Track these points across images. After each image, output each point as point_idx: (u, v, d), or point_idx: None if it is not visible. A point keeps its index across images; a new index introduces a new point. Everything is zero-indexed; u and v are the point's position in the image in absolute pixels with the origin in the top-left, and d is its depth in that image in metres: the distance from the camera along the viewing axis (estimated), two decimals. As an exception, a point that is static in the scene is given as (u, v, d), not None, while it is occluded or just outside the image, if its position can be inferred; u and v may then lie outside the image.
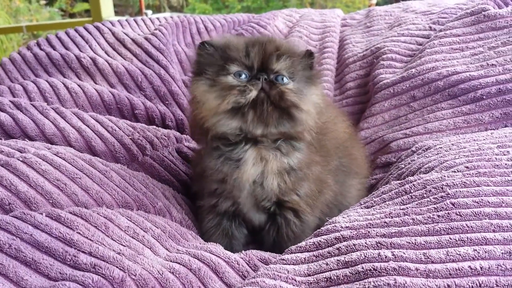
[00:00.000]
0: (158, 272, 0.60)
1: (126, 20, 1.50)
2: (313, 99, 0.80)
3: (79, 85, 1.13)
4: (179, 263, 0.64)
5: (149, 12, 3.26)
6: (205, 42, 0.82)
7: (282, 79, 0.78)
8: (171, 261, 0.64)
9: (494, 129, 0.94)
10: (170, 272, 0.61)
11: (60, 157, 0.81)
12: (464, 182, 0.68)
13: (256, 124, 0.77)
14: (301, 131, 0.80)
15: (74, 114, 1.01)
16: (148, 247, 0.68)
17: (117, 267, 0.59)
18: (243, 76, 0.77)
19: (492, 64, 1.03)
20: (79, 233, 0.63)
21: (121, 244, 0.65)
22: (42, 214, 0.65)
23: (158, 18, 1.55)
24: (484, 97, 0.99)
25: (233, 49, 0.80)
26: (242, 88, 0.76)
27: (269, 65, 0.78)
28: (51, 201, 0.72)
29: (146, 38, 1.33)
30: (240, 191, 0.81)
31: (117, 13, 3.60)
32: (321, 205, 0.87)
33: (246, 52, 0.78)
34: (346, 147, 0.93)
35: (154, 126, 1.13)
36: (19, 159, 0.76)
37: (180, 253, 0.68)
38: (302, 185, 0.83)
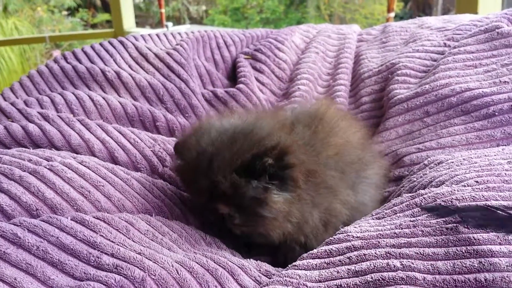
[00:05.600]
0: (177, 271, 0.64)
1: (149, 35, 1.56)
2: (273, 210, 0.76)
3: (103, 98, 1.18)
4: (197, 263, 0.67)
5: (170, 24, 3.31)
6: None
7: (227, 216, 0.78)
8: (190, 260, 0.68)
9: (505, 145, 0.96)
10: (188, 271, 0.65)
11: (85, 166, 0.85)
12: (473, 196, 0.70)
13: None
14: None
15: (98, 125, 1.06)
16: (166, 248, 0.71)
17: (137, 267, 0.62)
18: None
19: (505, 81, 1.04)
20: (102, 235, 0.67)
21: (142, 245, 0.69)
22: (67, 218, 0.69)
23: (179, 33, 1.60)
24: (497, 113, 1.00)
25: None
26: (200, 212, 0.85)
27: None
28: (75, 207, 0.76)
29: (168, 53, 1.38)
30: None
31: (138, 24, 3.68)
32: (335, 228, 0.84)
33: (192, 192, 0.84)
34: (361, 158, 0.92)
35: (174, 138, 1.17)
36: (46, 167, 0.81)
37: (197, 254, 0.72)
38: (305, 228, 0.82)
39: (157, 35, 1.57)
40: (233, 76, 1.51)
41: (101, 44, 1.42)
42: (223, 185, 0.74)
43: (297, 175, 0.76)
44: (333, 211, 0.84)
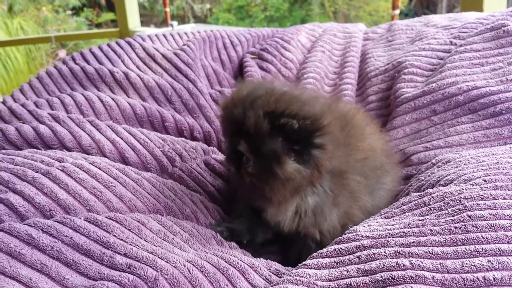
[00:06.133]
0: (188, 270, 0.65)
1: (156, 35, 1.57)
2: (284, 173, 0.77)
3: (112, 99, 1.19)
4: (208, 262, 0.68)
5: (175, 23, 3.31)
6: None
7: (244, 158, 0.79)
8: (201, 259, 0.69)
9: (513, 144, 0.96)
10: (199, 270, 0.66)
11: (96, 167, 0.86)
12: (481, 195, 0.70)
13: None
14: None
15: (108, 126, 1.07)
16: (178, 248, 0.73)
17: (150, 267, 0.63)
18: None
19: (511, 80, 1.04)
20: (114, 235, 0.69)
21: (154, 245, 0.70)
22: (80, 218, 0.70)
23: (186, 33, 1.61)
24: (504, 112, 1.00)
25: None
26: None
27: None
28: (88, 208, 0.78)
29: (175, 53, 1.39)
30: None
31: (142, 23, 3.69)
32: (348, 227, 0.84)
33: (224, 124, 0.86)
34: (383, 165, 0.92)
35: (183, 139, 1.18)
36: (58, 168, 0.82)
37: (208, 253, 0.73)
38: (322, 224, 0.84)
39: (164, 35, 1.58)
40: (240, 75, 1.52)
41: (108, 45, 1.43)
42: (249, 120, 0.75)
43: (322, 158, 0.77)
44: (351, 216, 0.86)
